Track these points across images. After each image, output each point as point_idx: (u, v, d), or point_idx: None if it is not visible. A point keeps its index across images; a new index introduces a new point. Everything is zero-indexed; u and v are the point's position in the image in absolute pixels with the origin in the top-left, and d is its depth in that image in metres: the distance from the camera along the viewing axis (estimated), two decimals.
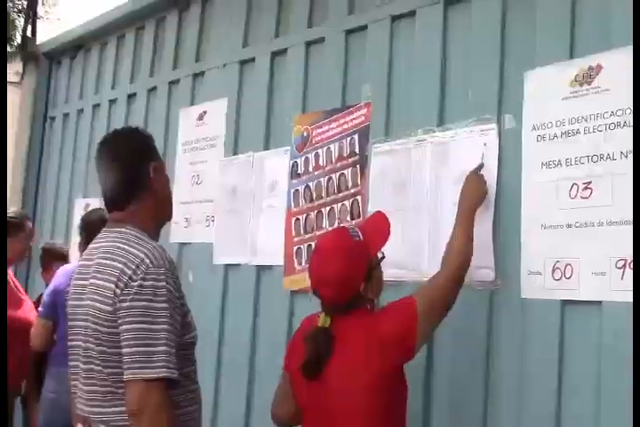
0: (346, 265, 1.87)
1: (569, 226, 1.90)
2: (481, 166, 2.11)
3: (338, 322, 1.84)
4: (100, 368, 1.71)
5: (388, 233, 1.95)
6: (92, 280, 1.75)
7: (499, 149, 2.11)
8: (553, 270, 1.92)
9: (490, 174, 2.10)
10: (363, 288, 1.89)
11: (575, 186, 1.91)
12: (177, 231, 3.29)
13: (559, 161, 1.96)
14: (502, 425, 1.98)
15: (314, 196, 2.68)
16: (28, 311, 3.26)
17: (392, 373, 1.80)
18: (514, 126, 2.09)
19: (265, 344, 2.77)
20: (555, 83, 2.00)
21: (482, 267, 2.07)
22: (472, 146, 2.17)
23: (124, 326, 1.65)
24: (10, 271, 3.31)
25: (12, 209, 3.43)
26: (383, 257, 1.96)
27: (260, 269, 2.87)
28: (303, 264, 2.64)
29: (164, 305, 1.66)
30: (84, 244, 3.19)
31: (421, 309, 1.81)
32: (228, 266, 3.02)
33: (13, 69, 4.95)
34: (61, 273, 3.12)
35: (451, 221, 2.16)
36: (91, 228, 3.16)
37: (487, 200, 2.08)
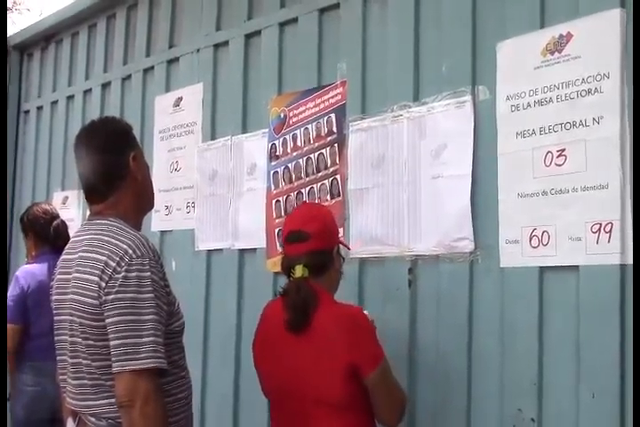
0: (330, 214, 1.97)
1: (544, 193, 1.92)
2: None
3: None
4: (87, 362, 1.71)
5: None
6: (75, 274, 1.73)
7: (474, 121, 2.13)
8: (530, 238, 1.94)
9: (466, 146, 2.12)
10: (334, 260, 1.91)
11: (549, 154, 1.93)
12: (158, 220, 3.28)
13: (533, 130, 1.98)
14: (486, 389, 2.01)
15: (293, 177, 2.68)
16: None
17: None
18: (488, 97, 2.11)
19: (251, 326, 2.73)
20: (526, 53, 2.01)
21: (461, 238, 2.09)
22: (448, 119, 2.19)
23: (110, 319, 1.64)
24: None
25: None
26: (343, 258, 2.00)
27: (243, 252, 2.87)
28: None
29: (150, 295, 1.66)
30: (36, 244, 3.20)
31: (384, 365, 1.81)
32: (210, 251, 3.02)
33: None
34: (22, 275, 3.13)
35: (429, 195, 2.19)
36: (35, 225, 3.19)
37: (463, 170, 2.10)
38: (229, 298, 2.89)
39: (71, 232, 3.59)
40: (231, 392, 2.83)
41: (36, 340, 3.03)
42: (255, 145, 2.87)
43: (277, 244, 2.69)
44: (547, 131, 1.95)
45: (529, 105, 2.00)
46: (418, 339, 2.21)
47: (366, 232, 2.35)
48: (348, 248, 2.05)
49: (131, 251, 1.68)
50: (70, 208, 3.94)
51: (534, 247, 1.93)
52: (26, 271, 3.15)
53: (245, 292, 2.85)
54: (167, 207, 3.23)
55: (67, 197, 3.96)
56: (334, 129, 2.56)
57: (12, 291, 3.12)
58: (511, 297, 1.97)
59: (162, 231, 3.26)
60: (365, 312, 1.89)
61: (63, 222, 3.22)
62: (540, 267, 1.91)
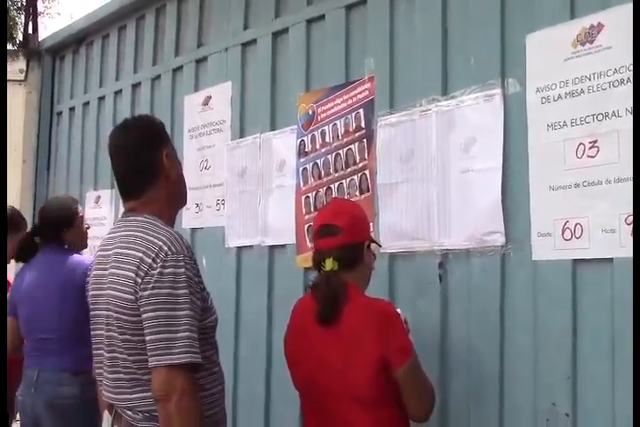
0: (361, 210, 1.99)
1: (577, 186, 1.90)
2: None
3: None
4: (124, 356, 1.74)
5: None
6: (111, 270, 1.77)
7: (504, 114, 2.11)
8: (563, 231, 1.92)
9: (496, 140, 2.10)
10: (364, 254, 1.91)
11: (582, 145, 1.91)
12: (188, 217, 3.31)
13: (564, 122, 1.96)
14: (519, 383, 1.99)
15: (322, 173, 2.69)
16: None
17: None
18: (518, 90, 2.09)
19: (281, 322, 2.75)
20: (557, 44, 1.99)
21: (492, 232, 2.08)
22: (477, 112, 2.17)
23: (146, 314, 1.67)
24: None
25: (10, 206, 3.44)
26: (374, 255, 2.00)
27: (273, 248, 2.89)
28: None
29: (185, 291, 1.68)
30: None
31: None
32: (240, 248, 3.05)
33: (17, 67, 4.96)
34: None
35: (459, 189, 2.18)
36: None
37: (493, 164, 2.08)
38: (259, 294, 2.90)
39: (103, 231, 3.66)
40: (262, 388, 2.85)
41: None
42: (284, 142, 2.88)
43: (307, 240, 2.70)
44: (578, 122, 1.92)
45: (560, 97, 1.98)
46: (449, 333, 2.20)
47: (396, 227, 2.35)
48: (379, 245, 2.05)
49: (166, 247, 1.71)
50: (103, 207, 4.00)
51: (567, 240, 1.91)
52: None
53: (275, 288, 2.87)
54: (197, 205, 3.27)
55: (99, 197, 4.02)
56: (362, 124, 2.56)
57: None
58: (544, 290, 1.95)
59: (192, 228, 3.30)
60: (398, 311, 1.89)
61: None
62: (574, 260, 1.89)
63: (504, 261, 2.06)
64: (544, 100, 2.02)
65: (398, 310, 1.88)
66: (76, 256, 2.82)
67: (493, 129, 2.13)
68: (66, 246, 2.84)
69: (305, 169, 2.77)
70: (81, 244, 2.95)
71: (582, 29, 1.94)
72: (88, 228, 2.99)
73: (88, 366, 2.62)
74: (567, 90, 1.96)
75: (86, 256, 2.83)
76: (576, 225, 1.89)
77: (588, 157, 1.89)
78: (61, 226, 2.84)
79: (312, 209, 2.71)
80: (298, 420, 2.54)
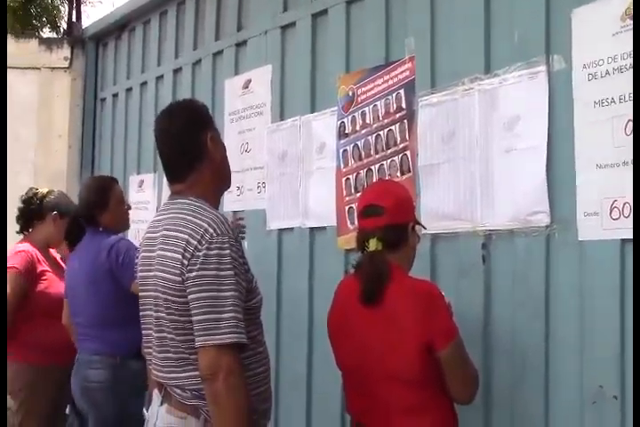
0: (405, 191, 1.99)
1: (625, 163, 1.85)
2: None
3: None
4: (172, 336, 1.77)
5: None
6: (158, 252, 1.80)
7: (548, 92, 2.06)
8: (611, 210, 1.87)
9: (541, 118, 2.06)
10: (408, 236, 1.90)
11: (630, 122, 1.85)
12: (230, 200, 3.33)
13: (612, 98, 1.90)
14: (565, 365, 1.97)
15: (363, 154, 2.68)
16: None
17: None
18: (563, 67, 2.04)
19: (322, 303, 2.78)
20: (604, 18, 1.93)
21: (536, 212, 2.04)
22: (521, 90, 2.13)
23: (192, 295, 1.69)
24: (54, 251, 3.41)
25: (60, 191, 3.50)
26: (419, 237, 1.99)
27: (314, 230, 2.90)
28: (355, 223, 2.64)
29: (230, 272, 1.70)
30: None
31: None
32: (281, 230, 3.06)
33: (62, 55, 5.06)
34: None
35: (502, 169, 2.15)
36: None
37: (538, 143, 2.04)
38: (300, 276, 2.92)
39: (147, 215, 3.71)
40: (304, 369, 2.87)
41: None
42: (324, 124, 2.87)
43: (348, 221, 2.70)
44: (627, 99, 1.87)
45: (607, 73, 1.92)
46: (493, 315, 2.18)
47: (438, 208, 2.33)
48: (424, 227, 2.03)
49: (211, 229, 1.73)
50: (146, 191, 4.07)
51: (615, 219, 1.86)
52: None
53: (316, 269, 2.88)
54: (239, 188, 3.29)
55: (142, 181, 4.09)
56: (403, 105, 2.53)
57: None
58: (590, 271, 1.91)
59: (234, 211, 3.32)
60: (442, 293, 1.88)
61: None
62: (622, 239, 1.85)
63: (549, 242, 2.02)
64: (591, 76, 1.96)
65: (442, 293, 1.87)
66: (104, 238, 2.75)
67: (538, 107, 2.08)
68: (100, 229, 2.81)
69: (345, 151, 2.76)
70: (119, 225, 2.91)
71: (631, 3, 1.87)
72: (129, 208, 2.96)
73: (120, 349, 2.67)
74: (615, 66, 1.90)
75: (114, 237, 2.76)
76: (624, 204, 1.84)
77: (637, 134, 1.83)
78: (95, 208, 2.82)
79: (352, 191, 2.70)
80: (340, 399, 2.55)
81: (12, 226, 3.36)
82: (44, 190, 3.36)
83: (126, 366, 2.67)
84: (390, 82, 2.59)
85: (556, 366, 1.99)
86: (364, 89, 2.70)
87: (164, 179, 3.86)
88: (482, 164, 2.22)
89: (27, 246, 3.22)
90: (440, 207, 2.32)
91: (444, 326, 1.79)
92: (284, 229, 3.04)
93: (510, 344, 2.11)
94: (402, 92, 2.54)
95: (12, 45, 5.06)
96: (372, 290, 1.82)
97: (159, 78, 4.15)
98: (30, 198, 3.31)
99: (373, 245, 1.85)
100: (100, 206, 2.81)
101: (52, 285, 3.21)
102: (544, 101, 2.07)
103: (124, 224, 2.95)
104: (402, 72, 2.55)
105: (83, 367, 2.76)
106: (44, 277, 3.19)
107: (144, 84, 4.31)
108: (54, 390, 3.21)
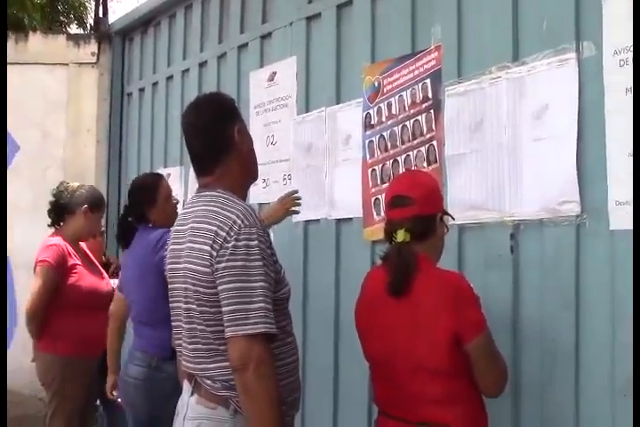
0: (434, 181, 1.95)
1: None
2: None
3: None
4: (202, 327, 1.78)
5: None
6: (188, 244, 1.81)
7: (578, 79, 2.03)
8: None
9: (571, 105, 2.02)
10: (436, 227, 1.88)
11: None
12: (256, 192, 3.34)
13: None
14: (596, 357, 1.94)
15: (389, 145, 2.66)
16: (106, 281, 3.43)
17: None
18: (593, 54, 2.00)
19: (348, 295, 2.77)
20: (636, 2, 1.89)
21: (566, 201, 2.01)
22: (550, 78, 2.10)
23: (222, 286, 1.70)
24: (84, 245, 3.45)
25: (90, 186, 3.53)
26: (447, 228, 1.96)
27: (340, 222, 2.89)
28: (382, 214, 2.63)
29: (259, 263, 1.71)
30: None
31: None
32: (307, 222, 3.06)
33: (89, 50, 5.11)
34: None
35: (531, 158, 2.12)
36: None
37: (567, 131, 2.01)
38: (327, 267, 2.92)
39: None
40: (331, 360, 2.88)
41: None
42: (350, 115, 2.86)
43: (374, 212, 2.69)
44: None
45: None
46: (521, 306, 2.15)
47: (465, 198, 2.31)
48: (453, 218, 2.02)
49: (239, 221, 1.73)
50: (173, 184, 4.08)
51: None
52: None
53: (342, 261, 2.87)
54: (264, 180, 3.29)
55: (169, 174, 4.10)
56: (430, 95, 2.51)
57: None
58: (622, 261, 1.88)
59: (260, 204, 3.33)
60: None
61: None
62: None
63: (579, 232, 1.99)
64: (622, 62, 1.92)
65: (471, 285, 1.85)
66: (151, 233, 2.76)
67: (567, 95, 2.05)
68: (150, 225, 2.82)
69: (371, 142, 2.74)
70: (169, 220, 2.80)
71: None
72: (177, 203, 2.97)
73: (158, 350, 2.66)
74: None
75: (161, 230, 2.74)
76: None
77: None
78: (144, 205, 2.83)
79: (379, 182, 2.69)
80: (367, 390, 2.55)
81: (44, 219, 3.41)
82: (75, 184, 3.40)
83: (160, 368, 2.67)
84: (416, 72, 2.57)
85: (586, 358, 1.96)
86: (389, 79, 2.68)
87: (191, 172, 3.89)
88: (510, 153, 2.19)
89: (58, 240, 3.27)
90: (467, 197, 2.30)
91: (473, 318, 1.77)
92: (311, 220, 3.04)
93: (540, 335, 2.08)
94: (428, 81, 2.52)
95: (41, 42, 5.14)
96: (400, 281, 1.81)
97: (185, 72, 4.17)
98: (61, 192, 3.35)
99: (401, 236, 1.84)
100: (148, 203, 2.83)
101: (83, 278, 3.26)
102: (574, 89, 2.04)
103: (173, 219, 2.92)
104: (428, 61, 2.53)
105: (127, 360, 2.80)
106: (75, 271, 3.24)
107: (170, 78, 4.33)
108: (85, 382, 3.26)
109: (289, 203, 2.68)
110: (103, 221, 3.88)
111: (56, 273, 3.19)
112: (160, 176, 3.04)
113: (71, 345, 3.20)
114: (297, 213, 2.74)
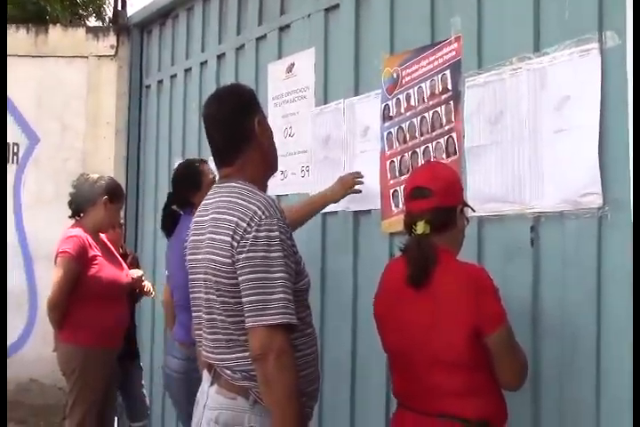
0: (454, 173, 1.97)
1: None
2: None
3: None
4: (222, 318, 1.79)
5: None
6: (208, 235, 1.82)
7: (601, 70, 2.00)
8: None
9: (593, 96, 2.00)
10: (456, 219, 1.87)
11: None
12: (273, 184, 3.31)
13: None
14: (618, 350, 1.90)
15: (407, 137, 2.65)
16: (125, 273, 3.46)
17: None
18: (617, 43, 1.97)
19: (366, 287, 2.78)
20: None
21: (588, 193, 1.99)
22: (572, 69, 2.07)
23: (242, 277, 1.72)
24: (104, 235, 3.48)
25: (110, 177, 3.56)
26: (467, 220, 1.96)
27: (358, 214, 2.88)
28: (400, 206, 2.63)
29: (279, 254, 1.72)
30: None
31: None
32: (325, 214, 3.05)
33: (108, 43, 5.13)
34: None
35: (552, 150, 2.10)
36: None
37: (590, 122, 1.98)
38: (345, 259, 2.92)
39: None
40: (349, 352, 2.88)
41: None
42: (368, 107, 2.85)
43: (392, 204, 2.68)
44: None
45: None
46: (541, 299, 2.13)
47: (484, 190, 2.29)
48: (473, 210, 2.01)
49: (260, 212, 1.74)
50: None
51: None
52: None
53: (360, 253, 2.87)
54: (282, 172, 3.29)
55: None
56: (449, 86, 2.49)
57: None
58: None
59: (277, 195, 3.33)
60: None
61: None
62: None
63: (601, 224, 1.97)
64: None
65: (491, 277, 1.84)
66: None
67: (590, 86, 2.02)
68: (194, 210, 2.82)
69: (390, 133, 2.73)
70: None
71: None
72: None
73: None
74: None
75: None
76: None
77: None
78: (189, 190, 2.82)
79: (397, 174, 2.67)
80: (385, 382, 2.56)
81: (65, 211, 3.44)
82: (95, 176, 3.43)
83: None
84: (436, 63, 2.55)
85: (608, 351, 1.94)
86: (408, 71, 2.67)
87: (209, 164, 3.87)
88: (531, 145, 2.17)
89: (78, 231, 3.30)
90: (487, 189, 2.29)
91: (493, 310, 1.76)
92: (328, 212, 3.03)
93: (560, 329, 2.07)
94: (447, 72, 2.50)
95: (60, 34, 5.17)
96: (419, 273, 1.81)
97: (203, 64, 4.17)
98: (81, 184, 3.39)
99: (421, 228, 1.83)
100: (193, 189, 2.83)
101: (103, 269, 3.29)
102: (596, 80, 2.01)
103: None
104: (447, 52, 2.51)
105: (167, 351, 2.83)
106: (96, 262, 3.27)
107: (188, 70, 4.34)
108: (106, 373, 3.30)
109: (350, 182, 2.67)
110: (122, 214, 3.91)
111: (77, 264, 3.23)
112: (203, 162, 3.03)
113: (92, 336, 3.24)
114: (358, 191, 2.71)
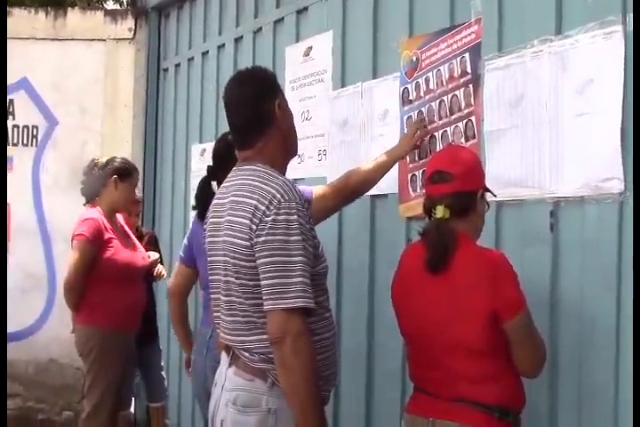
0: (475, 157, 1.95)
1: None
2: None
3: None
4: (240, 300, 1.80)
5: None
6: (227, 217, 1.83)
7: (624, 53, 1.96)
8: None
9: (616, 80, 1.96)
10: (477, 203, 1.86)
11: None
12: (290, 168, 3.29)
13: None
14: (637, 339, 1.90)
15: (426, 120, 2.63)
16: (141, 255, 3.48)
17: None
18: None
19: (383, 271, 2.78)
20: None
21: (609, 178, 1.96)
22: (594, 52, 2.04)
23: (261, 260, 1.72)
24: (120, 216, 3.49)
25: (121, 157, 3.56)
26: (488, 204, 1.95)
27: (375, 198, 2.87)
28: (418, 191, 2.61)
29: (298, 238, 1.72)
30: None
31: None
32: None
33: (126, 26, 5.12)
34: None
35: (573, 134, 2.07)
36: None
37: (612, 106, 1.95)
38: (362, 243, 2.91)
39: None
40: (365, 336, 2.88)
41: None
42: (386, 90, 2.82)
43: (410, 189, 2.67)
44: None
45: None
46: (560, 285, 2.12)
47: (503, 174, 2.27)
48: (494, 195, 1.99)
49: (279, 195, 1.74)
50: (208, 160, 4.10)
51: None
52: None
53: (377, 237, 2.86)
54: (299, 156, 3.27)
55: (204, 150, 4.12)
56: (468, 69, 2.46)
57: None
58: None
59: (294, 179, 3.32)
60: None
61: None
62: None
63: (622, 210, 1.94)
64: None
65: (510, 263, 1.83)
66: None
67: (612, 69, 1.98)
68: None
69: (409, 117, 2.71)
70: None
71: None
72: None
73: None
74: None
75: None
76: None
77: None
78: (229, 164, 2.69)
79: (415, 158, 2.66)
80: (402, 367, 2.56)
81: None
82: (104, 159, 3.45)
83: None
84: (455, 46, 2.52)
85: (626, 338, 1.92)
86: (427, 54, 2.64)
87: None
88: (551, 129, 2.14)
89: (94, 214, 3.33)
90: (506, 174, 2.27)
91: (512, 296, 1.75)
92: None
93: (579, 316, 2.05)
94: (467, 55, 2.47)
95: (79, 17, 5.17)
96: (438, 258, 1.80)
97: (220, 47, 4.15)
98: (91, 170, 3.42)
99: (440, 212, 1.82)
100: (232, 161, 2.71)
101: (119, 251, 3.31)
102: (619, 63, 1.97)
103: None
104: (467, 35, 2.47)
105: (213, 345, 2.50)
106: (111, 245, 3.30)
107: (205, 53, 4.32)
108: (122, 354, 3.33)
109: (414, 129, 2.54)
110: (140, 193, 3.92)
111: (92, 246, 3.25)
112: None
113: (108, 318, 3.28)
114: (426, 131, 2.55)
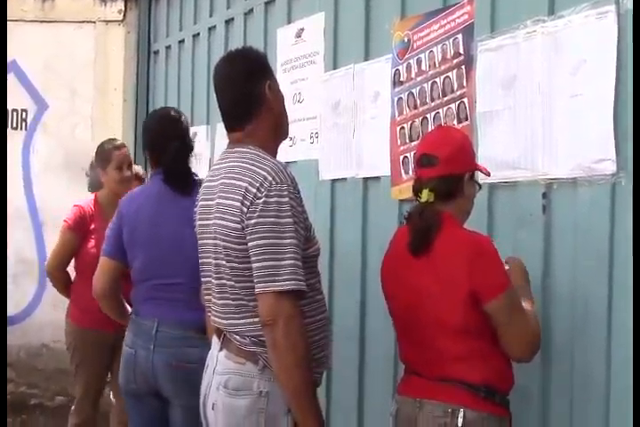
0: (465, 138, 1.92)
1: None
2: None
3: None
4: (231, 283, 1.79)
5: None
6: (218, 200, 1.81)
7: (618, 33, 1.95)
8: None
9: (609, 61, 1.95)
10: (463, 187, 1.85)
11: None
12: (282, 150, 3.27)
13: None
14: (629, 321, 1.90)
15: (418, 102, 2.61)
16: None
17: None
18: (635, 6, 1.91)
19: (375, 254, 2.77)
20: None
21: (602, 160, 1.95)
22: (587, 32, 2.02)
23: (252, 242, 1.71)
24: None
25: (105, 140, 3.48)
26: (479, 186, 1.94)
27: (367, 181, 2.86)
28: (410, 173, 2.60)
29: (289, 220, 1.71)
30: None
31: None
32: (334, 181, 3.04)
33: (116, 8, 5.06)
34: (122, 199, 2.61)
35: (566, 115, 2.05)
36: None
37: (605, 87, 1.93)
38: (354, 226, 2.91)
39: (199, 166, 3.71)
40: (357, 319, 2.89)
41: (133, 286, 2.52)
42: (378, 72, 2.80)
43: (402, 171, 2.66)
44: None
45: None
46: (552, 268, 2.11)
47: (496, 156, 2.26)
48: (487, 174, 1.98)
49: (270, 177, 1.73)
50: (199, 143, 4.08)
51: None
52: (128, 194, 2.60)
53: (369, 220, 2.86)
54: (291, 138, 3.25)
55: (195, 133, 4.08)
56: (461, 51, 2.44)
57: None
58: None
59: (286, 162, 3.30)
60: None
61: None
62: None
63: (614, 191, 1.93)
64: None
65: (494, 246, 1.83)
66: None
67: (606, 50, 1.97)
68: None
69: (400, 99, 2.69)
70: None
71: None
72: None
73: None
74: None
75: None
76: None
77: None
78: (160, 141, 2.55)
79: (407, 140, 2.64)
80: (393, 349, 2.56)
81: (74, 178, 3.46)
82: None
83: None
84: (447, 26, 2.49)
85: (618, 321, 1.92)
86: (420, 35, 2.61)
87: (217, 130, 3.87)
88: (544, 110, 2.12)
89: (84, 201, 3.29)
90: (499, 156, 2.25)
91: (491, 278, 1.75)
92: (338, 179, 3.02)
93: (571, 298, 2.04)
94: (459, 36, 2.44)
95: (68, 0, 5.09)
96: (419, 241, 1.81)
97: (211, 29, 4.11)
98: (91, 164, 3.42)
99: (425, 196, 1.82)
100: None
101: (100, 244, 2.71)
102: (613, 44, 1.95)
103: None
104: (460, 16, 2.45)
105: (175, 343, 2.33)
106: (93, 236, 3.17)
107: (196, 35, 4.28)
108: (99, 354, 3.19)
109: None
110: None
111: (73, 234, 3.19)
112: None
113: (81, 316, 3.19)
114: None
